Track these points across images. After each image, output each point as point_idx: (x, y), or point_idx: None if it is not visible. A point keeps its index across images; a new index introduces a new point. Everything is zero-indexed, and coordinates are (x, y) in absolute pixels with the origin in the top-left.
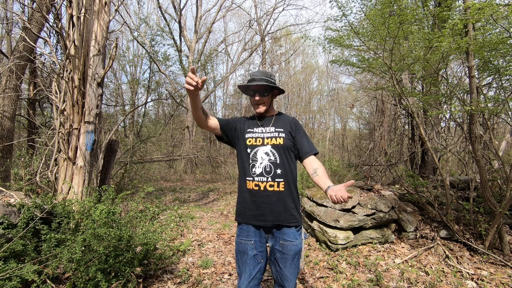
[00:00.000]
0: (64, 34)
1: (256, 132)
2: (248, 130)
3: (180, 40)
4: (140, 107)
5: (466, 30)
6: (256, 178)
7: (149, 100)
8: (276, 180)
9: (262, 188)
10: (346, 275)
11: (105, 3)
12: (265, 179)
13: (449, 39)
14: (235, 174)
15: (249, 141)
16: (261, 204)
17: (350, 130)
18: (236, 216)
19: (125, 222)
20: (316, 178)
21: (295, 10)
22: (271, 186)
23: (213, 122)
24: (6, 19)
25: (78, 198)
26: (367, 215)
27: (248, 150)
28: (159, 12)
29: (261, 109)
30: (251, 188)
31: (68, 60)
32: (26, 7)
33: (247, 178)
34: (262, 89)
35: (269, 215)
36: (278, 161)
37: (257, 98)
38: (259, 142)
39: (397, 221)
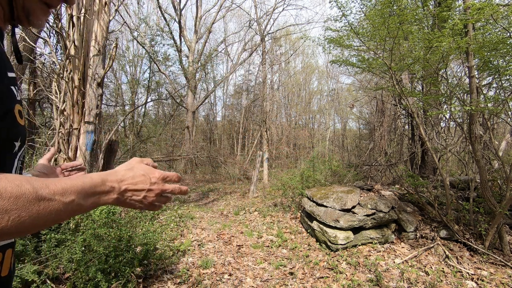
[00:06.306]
0: (64, 34)
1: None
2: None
3: (180, 40)
4: (140, 107)
5: (466, 30)
6: None
7: (149, 100)
8: None
9: None
10: (346, 275)
11: (105, 3)
12: None
13: (449, 39)
14: (235, 174)
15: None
16: None
17: (350, 130)
18: None
19: (125, 222)
20: None
21: (295, 10)
22: None
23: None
24: None
25: None
26: (367, 215)
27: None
28: (159, 12)
29: None
30: None
31: (68, 60)
32: None
33: None
34: None
35: None
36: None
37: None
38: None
39: (397, 221)
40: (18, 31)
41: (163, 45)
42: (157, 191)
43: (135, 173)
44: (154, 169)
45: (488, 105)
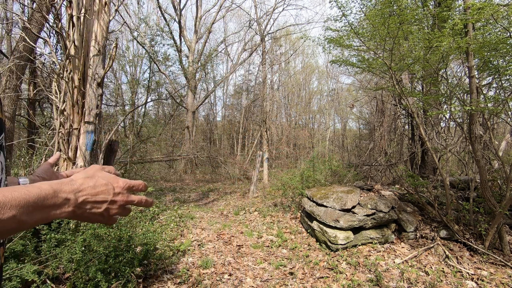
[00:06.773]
0: (64, 34)
1: None
2: None
3: (180, 40)
4: (140, 107)
5: (466, 30)
6: None
7: (149, 100)
8: None
9: None
10: (346, 275)
11: (105, 3)
12: None
13: (449, 39)
14: (235, 174)
15: None
16: None
17: (350, 130)
18: None
19: (125, 222)
20: None
21: (295, 10)
22: None
23: None
24: (6, 19)
25: None
26: (367, 215)
27: None
28: (159, 12)
29: None
30: None
31: (68, 60)
32: (26, 7)
33: None
34: None
35: None
36: None
37: None
38: None
39: (397, 221)
40: (18, 31)
41: (163, 45)
42: (121, 203)
43: (96, 182)
44: (117, 177)
45: (488, 105)
